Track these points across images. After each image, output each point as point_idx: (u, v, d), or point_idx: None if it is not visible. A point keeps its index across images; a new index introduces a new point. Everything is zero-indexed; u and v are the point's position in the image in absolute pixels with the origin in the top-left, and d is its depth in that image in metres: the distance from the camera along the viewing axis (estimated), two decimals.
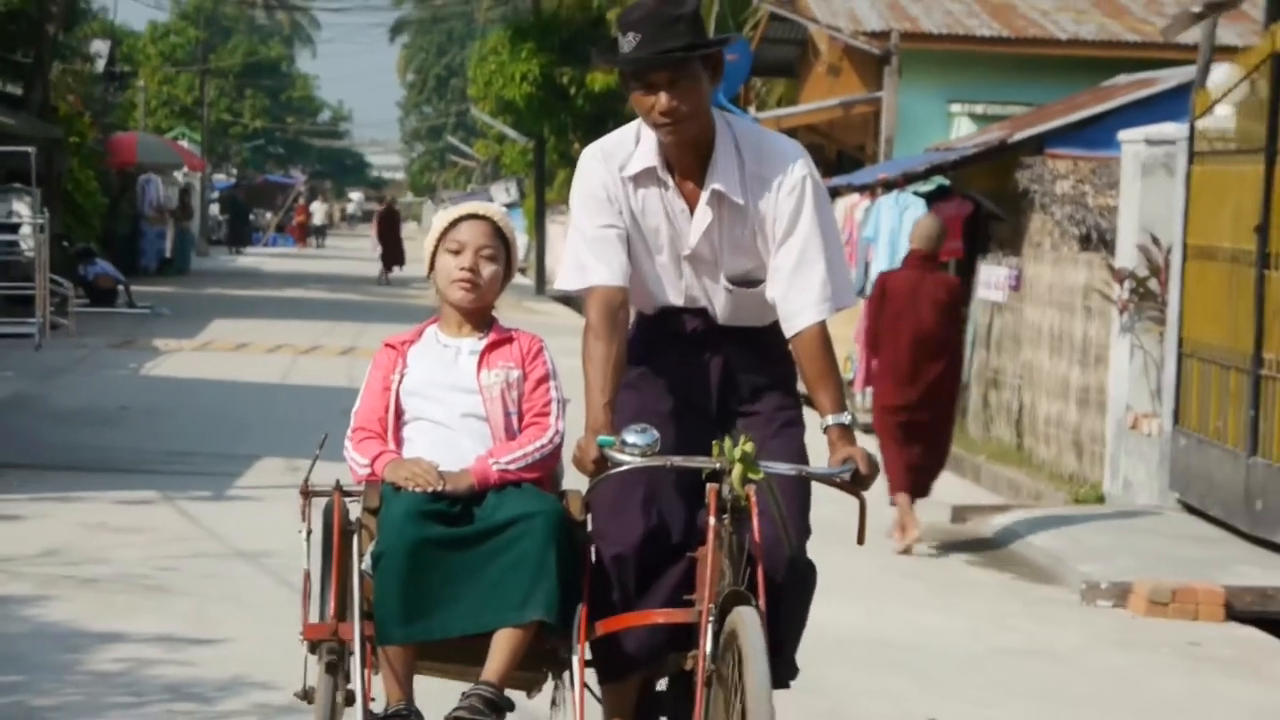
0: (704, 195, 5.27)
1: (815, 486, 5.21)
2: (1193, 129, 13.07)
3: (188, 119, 77.09)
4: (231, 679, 7.48)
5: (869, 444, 6.24)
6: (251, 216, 69.58)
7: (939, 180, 19.36)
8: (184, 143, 62.06)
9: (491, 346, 5.48)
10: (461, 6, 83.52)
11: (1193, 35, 15.90)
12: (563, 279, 5.38)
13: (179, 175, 49.20)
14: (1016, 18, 24.02)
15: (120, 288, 32.08)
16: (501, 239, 5.50)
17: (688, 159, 5.27)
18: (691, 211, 5.29)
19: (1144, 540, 11.92)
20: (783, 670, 5.15)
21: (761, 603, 4.83)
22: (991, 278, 17.75)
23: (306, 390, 19.12)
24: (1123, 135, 14.30)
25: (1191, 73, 14.46)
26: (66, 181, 33.24)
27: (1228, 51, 16.96)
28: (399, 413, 5.44)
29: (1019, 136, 18.35)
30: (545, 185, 46.57)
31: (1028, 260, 17.09)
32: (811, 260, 5.22)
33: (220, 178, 74.63)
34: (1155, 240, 13.70)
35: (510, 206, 62.92)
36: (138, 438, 15.24)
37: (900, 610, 10.04)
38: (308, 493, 5.37)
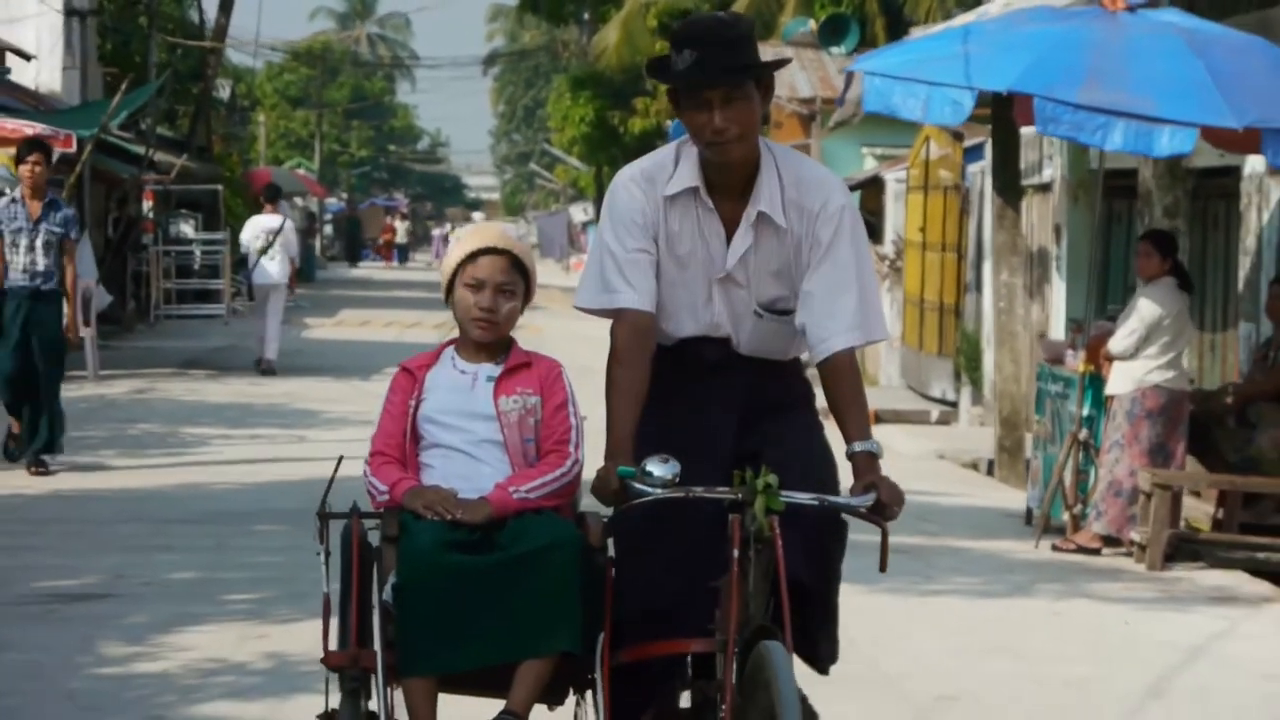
0: (747, 216, 5.17)
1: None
2: (909, 173, 23.01)
3: (303, 149, 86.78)
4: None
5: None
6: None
7: None
8: (302, 171, 72.32)
9: (509, 372, 5.40)
10: (547, 43, 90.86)
11: None
12: (584, 296, 5.25)
13: (299, 200, 59.52)
14: None
15: None
16: (520, 270, 5.40)
17: (730, 180, 5.16)
18: (728, 234, 5.19)
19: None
20: (825, 652, 5.22)
21: (788, 637, 4.77)
22: None
23: (414, 344, 29.04)
24: (885, 175, 24.31)
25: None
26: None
27: None
28: (416, 438, 5.40)
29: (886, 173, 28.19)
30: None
31: None
32: (844, 288, 5.12)
33: (332, 201, 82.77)
34: (900, 237, 23.62)
35: (587, 224, 72.45)
36: (313, 362, 25.47)
37: None
38: (325, 515, 5.30)
